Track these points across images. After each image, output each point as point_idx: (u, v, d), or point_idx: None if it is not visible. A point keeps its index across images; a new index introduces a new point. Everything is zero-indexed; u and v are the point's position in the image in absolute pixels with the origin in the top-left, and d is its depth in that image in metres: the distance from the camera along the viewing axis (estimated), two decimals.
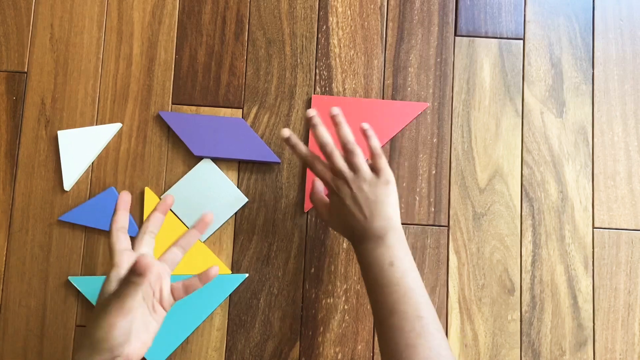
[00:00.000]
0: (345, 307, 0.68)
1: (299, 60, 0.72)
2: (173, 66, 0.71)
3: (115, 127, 0.70)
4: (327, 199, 0.61)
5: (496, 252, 0.69)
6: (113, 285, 0.50)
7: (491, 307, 0.68)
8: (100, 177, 0.69)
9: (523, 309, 0.69)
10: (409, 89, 0.72)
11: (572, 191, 0.71)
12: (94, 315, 0.49)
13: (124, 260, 0.52)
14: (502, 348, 0.68)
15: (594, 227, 0.70)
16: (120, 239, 0.53)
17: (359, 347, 0.67)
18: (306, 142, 0.70)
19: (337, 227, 0.61)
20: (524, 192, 0.70)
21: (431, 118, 0.71)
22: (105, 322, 0.47)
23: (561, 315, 0.68)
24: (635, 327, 0.69)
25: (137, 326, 0.50)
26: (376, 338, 0.67)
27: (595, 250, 0.70)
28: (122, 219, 0.55)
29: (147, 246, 0.55)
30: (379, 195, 0.56)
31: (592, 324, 0.69)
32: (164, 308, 0.54)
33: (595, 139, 0.72)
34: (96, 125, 0.70)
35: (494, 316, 0.68)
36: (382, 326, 0.53)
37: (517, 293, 0.69)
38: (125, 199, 0.56)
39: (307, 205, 0.69)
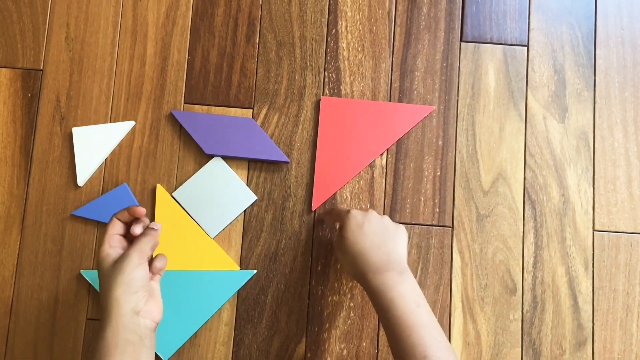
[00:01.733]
0: (351, 304, 0.69)
1: (308, 63, 0.73)
2: (186, 66, 0.73)
3: (129, 124, 0.71)
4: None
5: (499, 253, 0.71)
6: (112, 255, 0.55)
7: (493, 307, 0.70)
8: (113, 173, 0.71)
9: (524, 309, 0.70)
10: (415, 92, 0.73)
11: (573, 195, 0.72)
12: (106, 276, 0.53)
13: (115, 240, 0.56)
14: (504, 347, 0.69)
15: (594, 230, 0.72)
16: (116, 225, 0.56)
17: (364, 343, 0.69)
18: (314, 144, 0.71)
19: (350, 259, 0.60)
20: (526, 195, 0.72)
21: (437, 121, 0.73)
22: (128, 265, 0.53)
23: (562, 315, 0.70)
24: (634, 328, 0.70)
25: (149, 283, 0.55)
26: (382, 334, 0.69)
27: (596, 252, 0.71)
28: (124, 215, 0.57)
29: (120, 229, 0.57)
30: (395, 231, 0.61)
31: (591, 324, 0.70)
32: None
33: (596, 144, 0.74)
34: (110, 122, 0.71)
35: (495, 315, 0.70)
36: None
37: (519, 293, 0.70)
38: (138, 210, 0.57)
39: (315, 204, 0.70)
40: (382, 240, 0.59)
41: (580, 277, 0.71)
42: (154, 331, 0.54)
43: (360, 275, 0.59)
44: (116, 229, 0.56)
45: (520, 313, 0.70)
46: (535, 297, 0.70)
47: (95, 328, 0.68)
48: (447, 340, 0.56)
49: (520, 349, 0.69)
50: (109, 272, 0.53)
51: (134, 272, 0.53)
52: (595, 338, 0.70)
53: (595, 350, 0.70)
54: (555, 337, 0.70)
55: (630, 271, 0.71)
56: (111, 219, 0.57)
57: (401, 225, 0.63)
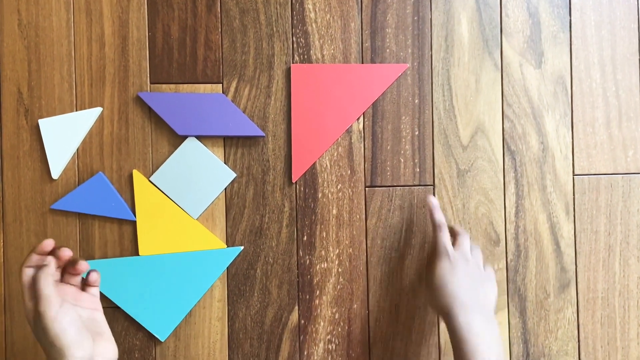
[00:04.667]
0: (339, 270, 0.71)
1: (274, 29, 0.71)
2: (147, 44, 0.70)
3: (96, 111, 0.69)
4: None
5: (481, 206, 0.71)
6: (32, 312, 0.51)
7: None
8: (87, 162, 0.69)
9: (508, 258, 0.72)
10: (387, 50, 0.71)
11: (552, 141, 0.72)
12: (38, 338, 0.51)
13: (29, 292, 0.52)
14: None
15: (574, 175, 0.72)
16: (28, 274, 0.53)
17: (355, 306, 0.71)
18: (289, 115, 0.70)
19: (437, 294, 0.61)
20: (505, 146, 0.72)
21: (411, 79, 0.71)
22: (46, 321, 0.49)
23: (545, 260, 0.72)
24: (616, 267, 0.72)
25: (83, 323, 0.52)
26: (372, 295, 0.70)
27: (576, 196, 0.72)
28: (33, 259, 0.53)
29: None
30: (486, 279, 0.63)
31: (574, 266, 0.72)
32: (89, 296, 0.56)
33: (573, 88, 0.73)
34: (76, 110, 0.69)
35: None
36: None
37: (503, 243, 0.72)
38: (44, 244, 0.53)
39: (295, 176, 0.70)
40: (473, 282, 0.61)
41: (561, 222, 0.72)
42: None
43: (446, 311, 0.59)
44: (28, 277, 0.52)
45: (505, 262, 0.72)
46: (518, 245, 0.72)
47: None
48: None
49: (506, 296, 0.72)
50: (37, 335, 0.51)
51: (57, 324, 0.49)
52: (578, 279, 0.72)
53: (579, 291, 0.72)
54: (539, 282, 0.72)
55: (611, 212, 0.72)
56: (22, 271, 0.52)
57: (490, 270, 0.65)
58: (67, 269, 0.55)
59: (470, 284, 0.61)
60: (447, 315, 0.59)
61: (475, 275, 0.62)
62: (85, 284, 0.56)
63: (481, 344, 0.57)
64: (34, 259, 0.52)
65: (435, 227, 0.64)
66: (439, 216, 0.65)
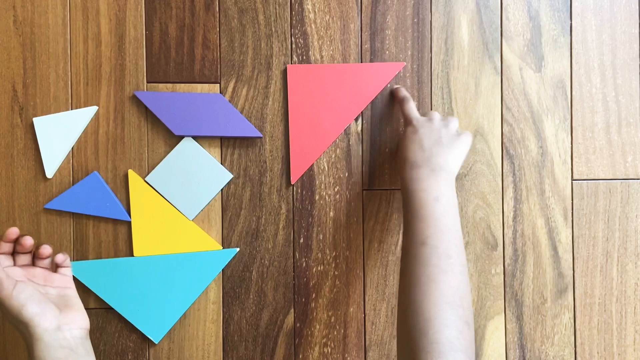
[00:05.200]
0: (336, 273, 0.70)
1: (273, 29, 0.70)
2: (144, 43, 0.69)
3: (92, 110, 0.68)
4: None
5: (479, 210, 0.71)
6: None
7: (475, 263, 0.71)
8: (82, 162, 0.68)
9: (506, 263, 0.71)
10: (387, 52, 0.71)
11: (551, 145, 0.72)
12: (6, 319, 0.55)
13: None
14: (487, 300, 0.71)
15: (572, 180, 0.72)
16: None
17: (351, 309, 0.70)
18: (287, 116, 0.69)
19: (401, 149, 0.63)
20: (504, 150, 0.71)
21: (411, 81, 0.71)
22: (2, 302, 0.53)
23: (542, 266, 0.71)
24: (614, 272, 0.72)
25: (49, 298, 0.55)
26: (368, 298, 0.70)
27: (575, 201, 0.72)
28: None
29: None
30: (449, 142, 0.61)
31: (572, 272, 0.72)
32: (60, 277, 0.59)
33: (573, 92, 0.72)
34: (71, 109, 0.68)
35: (478, 271, 0.71)
36: (408, 256, 0.55)
37: (500, 248, 0.71)
38: (10, 233, 0.56)
39: (294, 178, 0.69)
40: (429, 145, 0.61)
41: (559, 227, 0.72)
42: (87, 337, 0.56)
43: (400, 170, 0.61)
44: None
45: (502, 267, 0.71)
46: (516, 250, 0.71)
47: None
48: (462, 244, 0.56)
49: (503, 301, 0.71)
50: (7, 319, 0.54)
51: (14, 301, 0.52)
52: (575, 285, 0.72)
53: (576, 296, 0.72)
54: (536, 287, 0.71)
55: (609, 217, 0.72)
56: None
57: (464, 136, 0.63)
58: (35, 254, 0.58)
59: (428, 144, 0.61)
60: (400, 174, 0.61)
61: (437, 136, 0.62)
62: (56, 266, 0.60)
63: (419, 190, 0.57)
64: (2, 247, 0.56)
65: (400, 101, 0.67)
66: (404, 92, 0.68)
